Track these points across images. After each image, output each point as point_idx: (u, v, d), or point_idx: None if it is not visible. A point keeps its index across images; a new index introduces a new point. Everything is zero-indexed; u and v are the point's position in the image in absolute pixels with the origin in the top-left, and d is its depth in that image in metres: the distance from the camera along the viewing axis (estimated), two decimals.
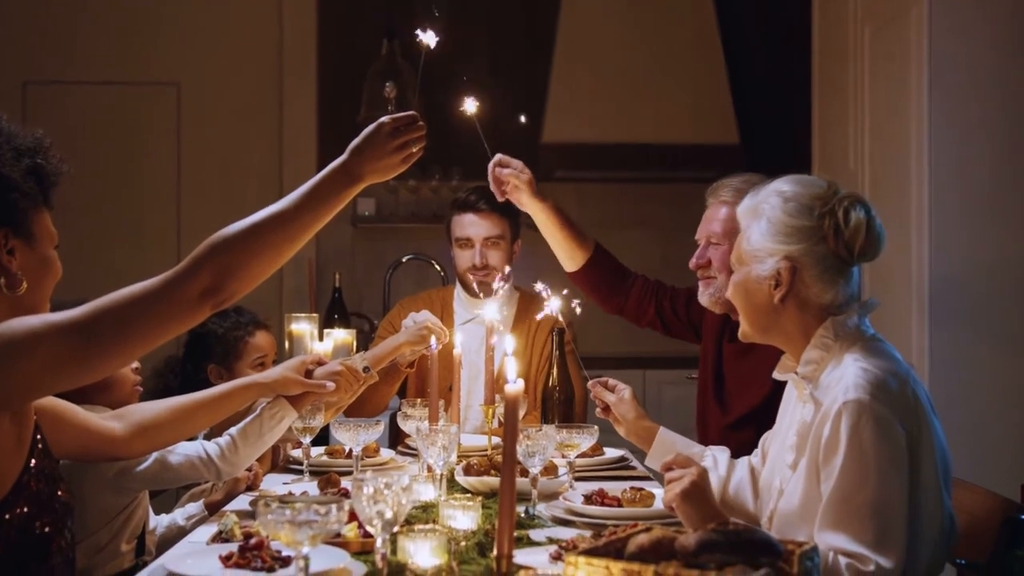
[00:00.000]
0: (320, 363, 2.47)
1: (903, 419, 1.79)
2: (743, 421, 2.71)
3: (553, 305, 2.57)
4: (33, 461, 1.66)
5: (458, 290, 3.47)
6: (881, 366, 1.84)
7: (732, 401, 2.79)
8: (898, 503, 1.75)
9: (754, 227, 1.96)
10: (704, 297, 2.78)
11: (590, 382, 2.54)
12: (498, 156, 2.90)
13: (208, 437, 2.44)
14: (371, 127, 1.86)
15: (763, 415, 2.39)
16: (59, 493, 1.71)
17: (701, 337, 3.00)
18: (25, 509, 1.62)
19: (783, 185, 1.97)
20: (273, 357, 3.04)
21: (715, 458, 2.29)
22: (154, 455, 2.31)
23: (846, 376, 1.83)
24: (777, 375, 2.04)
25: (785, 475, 1.95)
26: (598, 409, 2.53)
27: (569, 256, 3.06)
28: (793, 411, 2.02)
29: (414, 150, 1.89)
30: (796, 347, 1.97)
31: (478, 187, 3.43)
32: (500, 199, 2.93)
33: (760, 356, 2.69)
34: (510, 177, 2.88)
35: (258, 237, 1.70)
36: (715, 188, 2.80)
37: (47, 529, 1.66)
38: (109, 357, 1.63)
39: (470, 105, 2.63)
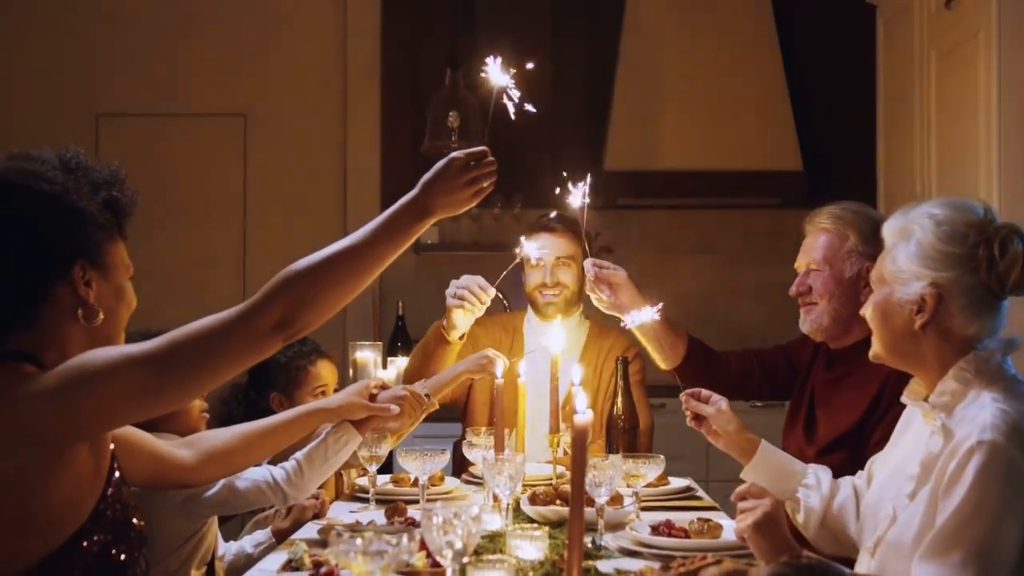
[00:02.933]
0: (384, 387, 2.50)
1: None
2: (831, 447, 2.63)
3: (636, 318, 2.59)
4: (110, 490, 1.68)
5: (529, 314, 3.48)
6: (1022, 410, 1.77)
7: (820, 429, 2.72)
8: (1008, 553, 1.68)
9: (901, 247, 1.89)
10: (805, 324, 2.72)
11: (682, 394, 2.44)
12: (591, 260, 2.96)
13: (273, 463, 2.46)
14: (443, 162, 1.87)
15: (853, 439, 2.33)
16: (134, 521, 1.73)
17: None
18: (102, 537, 1.65)
19: (935, 208, 1.89)
20: (334, 386, 3.07)
21: (818, 477, 2.24)
22: (222, 481, 2.34)
23: (984, 414, 1.76)
24: (906, 400, 1.99)
25: (901, 503, 1.88)
26: (688, 419, 2.43)
27: (671, 349, 3.00)
28: (916, 440, 1.96)
29: (485, 185, 1.90)
30: (930, 376, 1.90)
31: (553, 212, 3.49)
32: (607, 301, 2.95)
33: (851, 384, 2.65)
34: (611, 276, 2.91)
35: (330, 270, 1.72)
36: (813, 216, 2.75)
37: (123, 557, 1.68)
38: (184, 389, 1.66)
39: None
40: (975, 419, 1.77)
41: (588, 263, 2.95)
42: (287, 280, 1.69)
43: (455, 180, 1.86)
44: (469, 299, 3.01)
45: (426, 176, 1.87)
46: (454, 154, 1.88)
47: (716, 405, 2.39)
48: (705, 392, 2.43)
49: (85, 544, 1.62)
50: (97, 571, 1.64)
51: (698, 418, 2.42)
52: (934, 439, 1.85)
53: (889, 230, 1.95)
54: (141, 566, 1.74)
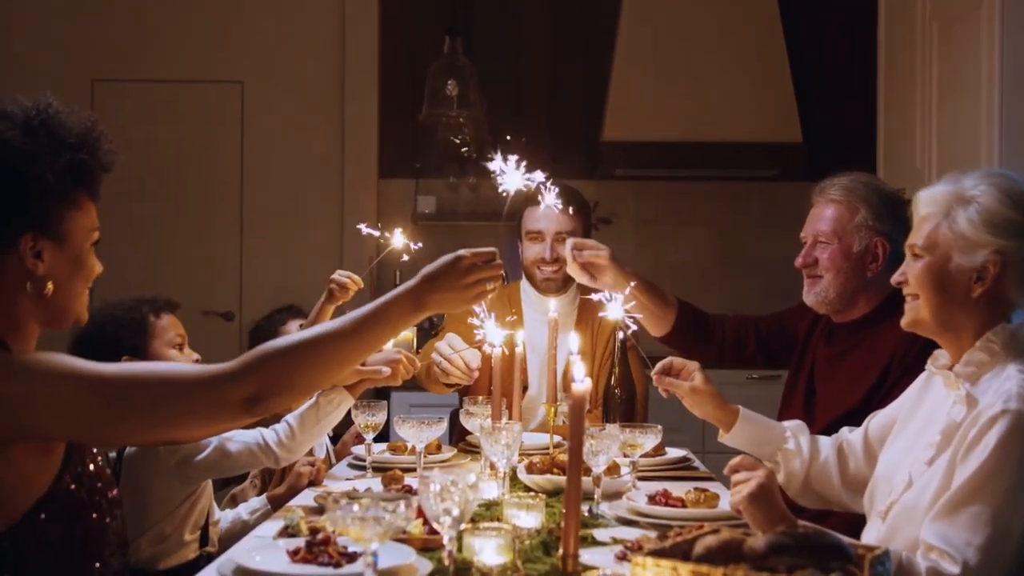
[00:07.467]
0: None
1: None
2: (834, 426, 2.54)
3: (613, 310, 2.54)
4: (69, 463, 1.64)
5: (524, 285, 3.47)
6: None
7: (821, 406, 2.69)
8: (1019, 523, 1.69)
9: (961, 213, 1.86)
10: (810, 297, 2.69)
11: (654, 373, 2.41)
12: (571, 241, 2.87)
13: (264, 425, 2.44)
14: (448, 258, 1.81)
15: (857, 418, 2.32)
16: (102, 488, 1.69)
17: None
18: (63, 509, 1.61)
19: (991, 176, 1.87)
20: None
21: (798, 442, 2.26)
22: (213, 443, 2.34)
23: (1009, 384, 1.76)
24: (932, 368, 1.97)
25: (918, 469, 1.88)
26: (661, 390, 2.41)
27: (660, 319, 2.94)
28: (935, 409, 1.95)
29: (488, 288, 1.84)
30: (963, 345, 1.89)
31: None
32: (589, 283, 2.87)
33: (853, 361, 2.63)
34: (594, 258, 2.83)
35: (312, 351, 1.67)
36: (823, 187, 2.71)
37: (91, 526, 1.64)
38: (126, 429, 1.60)
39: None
40: (1000, 389, 1.77)
41: (569, 243, 2.87)
42: (265, 356, 1.63)
43: (460, 280, 1.80)
44: (455, 375, 2.98)
45: (429, 268, 1.80)
46: (461, 252, 1.81)
47: (691, 379, 2.36)
48: (677, 362, 2.39)
49: (44, 517, 1.59)
50: (65, 541, 1.60)
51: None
52: (956, 408, 1.85)
53: (933, 197, 1.92)
54: (119, 534, 1.71)
